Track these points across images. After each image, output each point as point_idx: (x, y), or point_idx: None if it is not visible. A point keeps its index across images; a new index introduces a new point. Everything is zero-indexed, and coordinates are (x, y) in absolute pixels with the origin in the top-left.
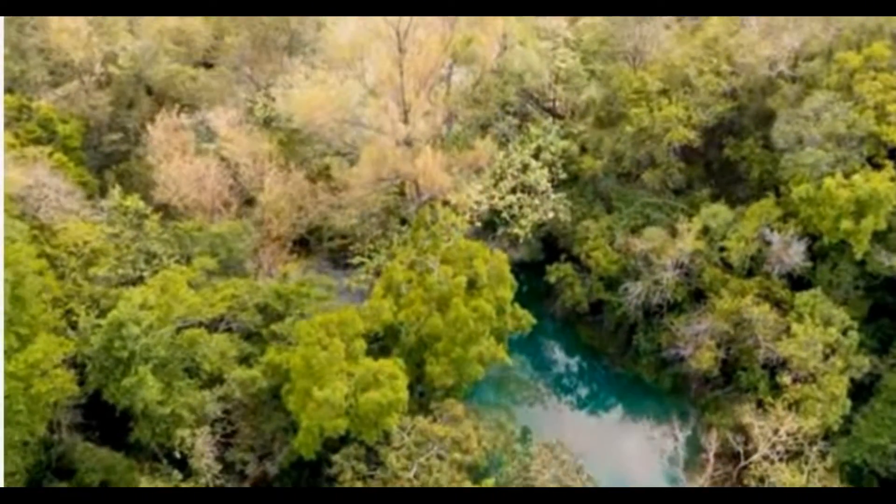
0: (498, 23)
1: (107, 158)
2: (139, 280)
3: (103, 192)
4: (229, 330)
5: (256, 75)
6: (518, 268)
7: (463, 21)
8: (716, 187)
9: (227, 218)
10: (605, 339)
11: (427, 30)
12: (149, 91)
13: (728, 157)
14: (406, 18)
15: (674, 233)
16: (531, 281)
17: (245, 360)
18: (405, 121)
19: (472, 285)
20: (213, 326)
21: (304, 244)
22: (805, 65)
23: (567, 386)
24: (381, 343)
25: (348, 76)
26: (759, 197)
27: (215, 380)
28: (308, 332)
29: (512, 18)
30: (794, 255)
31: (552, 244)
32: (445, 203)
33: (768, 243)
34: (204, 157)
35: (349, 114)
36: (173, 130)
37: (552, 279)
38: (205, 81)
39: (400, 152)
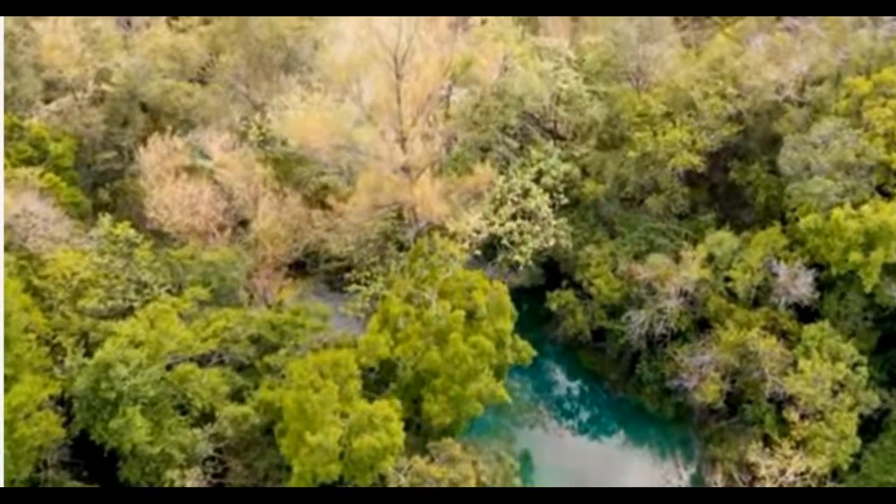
0: (498, 45)
1: (100, 177)
2: (129, 311)
3: (96, 212)
4: (222, 362)
5: (252, 93)
6: (518, 292)
7: (462, 42)
8: (720, 211)
9: (220, 242)
10: (607, 366)
11: (425, 53)
12: (143, 108)
13: (733, 181)
14: (404, 43)
15: (678, 259)
16: (532, 305)
17: (238, 394)
18: (402, 147)
19: (471, 316)
20: (204, 360)
21: (300, 266)
22: (812, 89)
23: (568, 410)
24: (378, 376)
25: (345, 99)
26: (765, 222)
27: (207, 416)
28: (301, 373)
29: (512, 39)
30: (802, 286)
31: (553, 269)
32: (444, 231)
33: (774, 274)
34: (197, 181)
35: (345, 139)
36: (166, 154)
37: (553, 306)
38: (200, 97)
39: (397, 179)
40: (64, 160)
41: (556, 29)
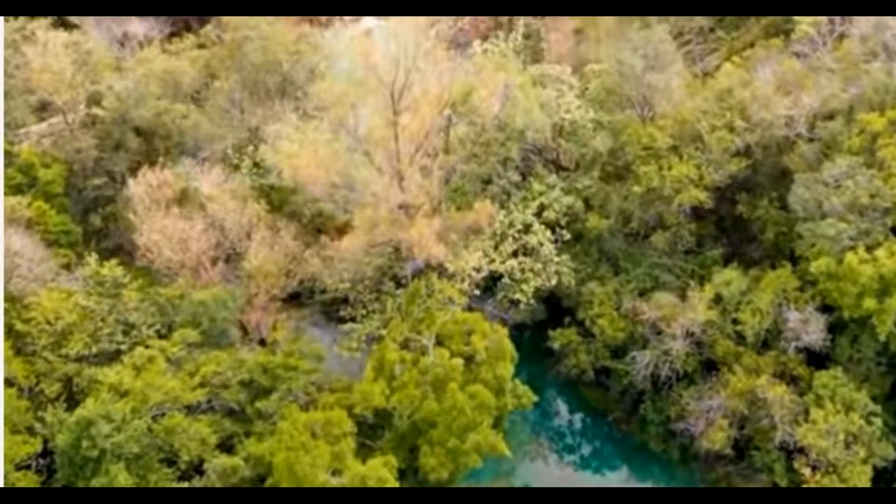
0: (499, 75)
1: (92, 202)
2: (116, 354)
3: (87, 239)
4: (211, 408)
5: (247, 119)
6: (520, 327)
7: (462, 70)
8: (728, 246)
9: (212, 275)
10: (610, 403)
11: (424, 84)
12: (137, 132)
13: (741, 215)
14: (402, 77)
15: (684, 296)
16: (534, 338)
17: (228, 440)
18: (400, 186)
19: (470, 359)
20: (193, 406)
21: (295, 297)
22: (824, 125)
23: (570, 445)
24: (374, 421)
25: (341, 130)
26: (774, 259)
27: (195, 468)
28: (291, 433)
29: (513, 68)
30: (813, 332)
31: (556, 304)
32: (442, 270)
33: (785, 319)
34: (188, 214)
35: (341, 176)
36: (156, 185)
37: (556, 345)
38: (195, 120)
39: (394, 217)
40: (54, 186)
41: (558, 48)
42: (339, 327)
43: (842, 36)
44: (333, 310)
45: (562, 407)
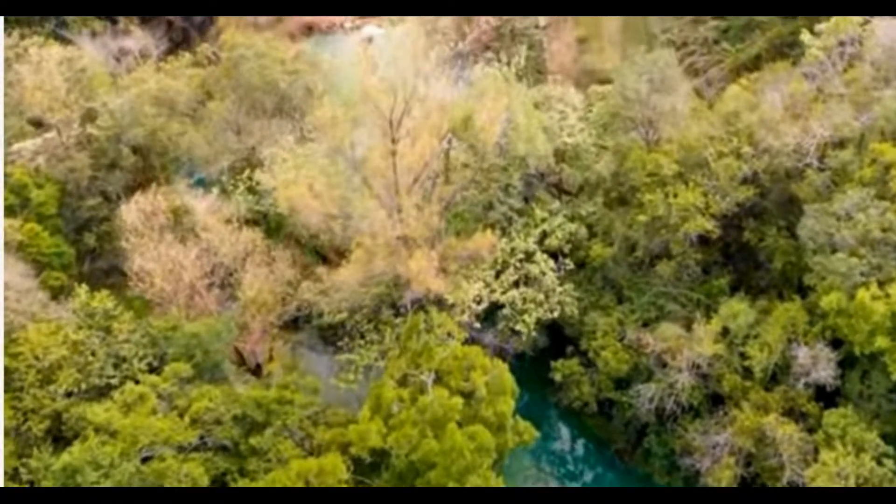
0: (500, 101)
1: (86, 221)
2: (106, 388)
3: (80, 260)
4: (204, 444)
5: (243, 139)
6: (521, 356)
7: (463, 91)
8: (734, 273)
9: (207, 300)
10: (613, 433)
11: (423, 110)
12: (133, 150)
13: (748, 241)
14: (400, 105)
15: (689, 325)
16: (535, 366)
17: (221, 478)
18: (398, 218)
19: (470, 395)
20: (185, 446)
21: (292, 320)
22: (834, 154)
23: (572, 473)
24: (371, 459)
25: (337, 156)
26: (782, 288)
27: None
28: (283, 483)
29: (515, 93)
30: (823, 369)
31: (558, 331)
32: (441, 302)
33: (794, 355)
34: (182, 242)
35: (338, 207)
36: (150, 211)
37: (558, 377)
38: (192, 137)
39: (392, 249)
40: (47, 207)
41: (561, 57)
42: (337, 358)
43: (852, 58)
44: (331, 333)
45: (564, 435)
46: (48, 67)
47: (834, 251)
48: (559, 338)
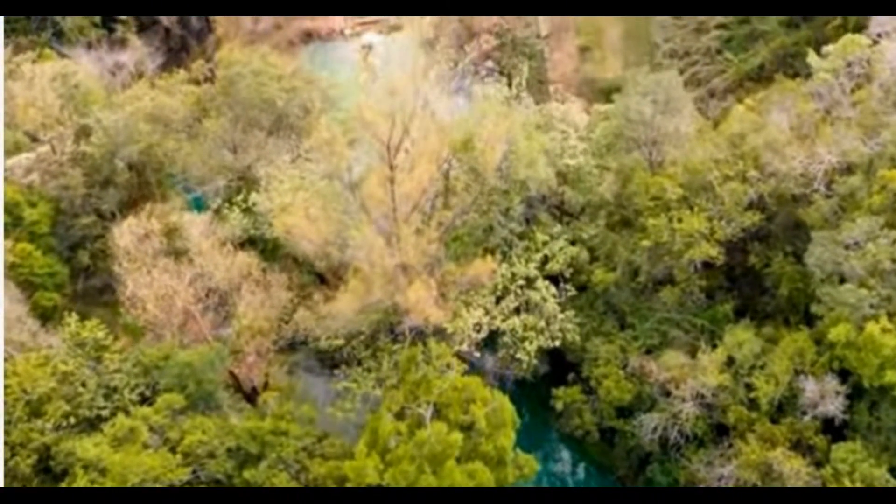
0: (501, 124)
1: (80, 238)
2: (97, 420)
3: (74, 279)
4: (197, 478)
5: (240, 159)
6: (521, 381)
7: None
8: (739, 298)
9: (202, 325)
10: (616, 459)
11: (422, 134)
12: (129, 167)
13: (753, 265)
14: (398, 131)
15: (693, 352)
16: (536, 391)
17: None
18: (396, 248)
19: (469, 427)
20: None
21: (289, 342)
22: (843, 180)
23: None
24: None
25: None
26: (788, 314)
27: None
28: None
29: (515, 116)
30: (831, 403)
31: (559, 356)
32: (441, 332)
33: (802, 388)
34: (175, 267)
35: (335, 235)
36: (143, 235)
37: (559, 405)
38: (188, 151)
39: (390, 278)
40: (40, 227)
41: (563, 67)
42: (334, 386)
43: (860, 79)
44: (328, 355)
45: (566, 462)
46: (41, 84)
47: (842, 281)
48: (561, 363)
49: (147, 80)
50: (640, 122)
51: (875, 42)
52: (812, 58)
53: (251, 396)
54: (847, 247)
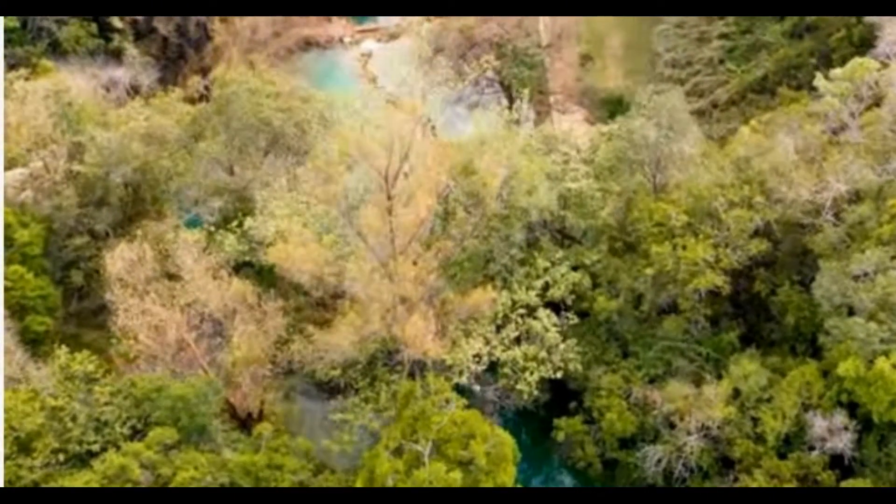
0: (502, 151)
1: (73, 259)
2: (87, 455)
3: (67, 300)
4: None
5: (236, 181)
6: (522, 410)
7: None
8: (744, 325)
9: (197, 352)
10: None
11: (420, 163)
12: (124, 185)
13: (759, 292)
14: (395, 161)
15: (698, 381)
16: (538, 419)
17: None
18: (393, 280)
19: (469, 463)
20: None
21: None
22: (851, 209)
23: None
24: None
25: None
26: (795, 342)
27: None
28: None
29: (516, 140)
30: (840, 440)
31: (561, 384)
32: (440, 364)
33: (810, 424)
34: (168, 296)
35: (331, 267)
36: (136, 260)
37: (560, 437)
38: (182, 177)
39: (388, 309)
40: (32, 248)
41: (564, 77)
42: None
43: (869, 101)
44: (325, 380)
45: (567, 485)
46: (34, 102)
47: (851, 313)
48: (562, 391)
49: (142, 99)
50: (643, 144)
51: (884, 64)
52: (820, 80)
53: (246, 422)
54: (856, 278)
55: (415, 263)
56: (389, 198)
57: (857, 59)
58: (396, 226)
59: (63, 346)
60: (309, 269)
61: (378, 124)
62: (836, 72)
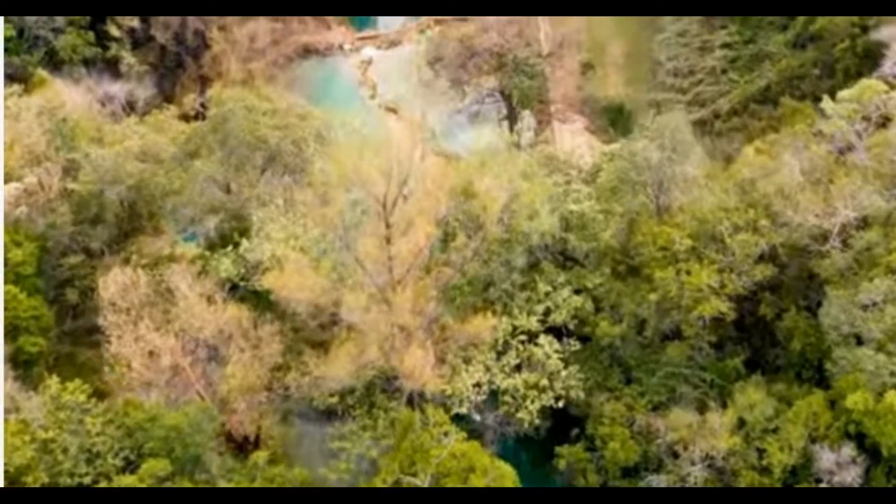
0: (502, 175)
1: (68, 278)
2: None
3: (60, 321)
4: None
5: (231, 200)
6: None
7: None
8: (749, 349)
9: (192, 377)
10: None
11: (420, 179)
12: (120, 203)
13: (764, 316)
14: (394, 189)
15: (703, 408)
16: (539, 445)
17: None
18: (391, 310)
19: None
20: None
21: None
22: (859, 235)
23: None
24: None
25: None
26: (800, 368)
27: None
28: None
29: (516, 162)
30: (848, 474)
31: (562, 411)
32: (440, 395)
33: (818, 457)
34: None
35: (328, 297)
36: (130, 284)
37: (562, 464)
38: (178, 189)
39: (385, 338)
40: (25, 268)
41: (565, 86)
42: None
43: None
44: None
45: None
46: (27, 119)
47: (859, 342)
48: (564, 417)
49: (137, 116)
50: (646, 166)
51: (891, 86)
52: (827, 103)
53: (243, 446)
54: (864, 307)
55: (413, 292)
56: (388, 225)
57: (865, 81)
58: (395, 254)
59: (54, 376)
60: (305, 298)
61: (376, 147)
62: (844, 93)
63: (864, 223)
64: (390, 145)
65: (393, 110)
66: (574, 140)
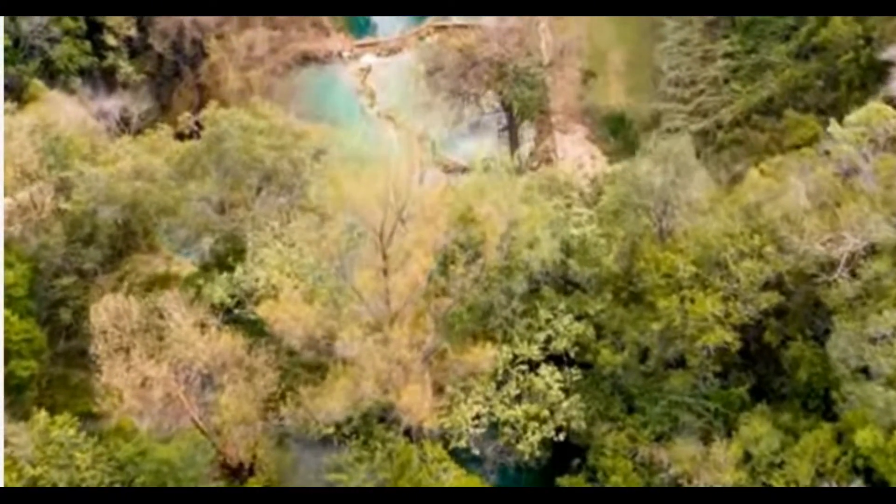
0: (502, 202)
1: (61, 299)
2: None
3: (53, 342)
4: None
5: (226, 222)
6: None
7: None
8: (754, 377)
9: (185, 403)
10: None
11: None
12: (114, 222)
13: (769, 343)
14: (391, 219)
15: (706, 437)
16: (539, 475)
17: None
18: (388, 346)
19: None
20: None
21: None
22: (867, 264)
23: None
24: None
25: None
26: (806, 398)
27: None
28: None
29: (516, 186)
30: None
31: (563, 441)
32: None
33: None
34: (155, 348)
35: (323, 330)
36: (122, 311)
37: None
38: (172, 208)
39: (382, 371)
40: (17, 290)
41: (565, 95)
42: (326, 478)
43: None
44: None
45: None
46: (19, 138)
47: (868, 377)
48: (565, 447)
49: (131, 136)
50: (648, 190)
51: None
52: (834, 127)
53: (238, 471)
54: (873, 340)
55: (411, 325)
56: (385, 256)
57: (873, 104)
58: (391, 286)
59: (42, 411)
60: (300, 329)
61: (373, 172)
62: (851, 118)
63: (872, 251)
64: (388, 168)
65: (392, 119)
66: (575, 150)
